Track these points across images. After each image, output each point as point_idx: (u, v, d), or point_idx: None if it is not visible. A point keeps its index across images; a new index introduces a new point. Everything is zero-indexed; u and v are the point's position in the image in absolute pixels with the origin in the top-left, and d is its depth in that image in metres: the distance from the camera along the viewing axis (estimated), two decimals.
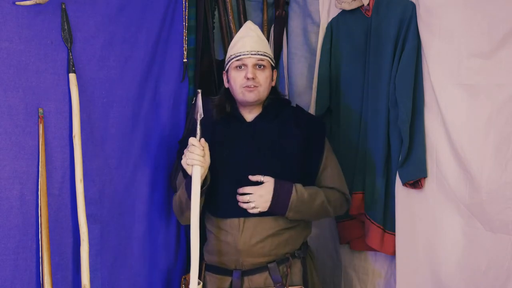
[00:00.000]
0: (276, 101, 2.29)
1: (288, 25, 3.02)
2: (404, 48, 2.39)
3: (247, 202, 2.12)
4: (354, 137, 2.62)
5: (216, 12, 2.92)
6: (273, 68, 2.27)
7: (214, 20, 2.87)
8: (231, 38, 2.92)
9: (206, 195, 2.16)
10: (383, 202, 2.50)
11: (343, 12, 2.65)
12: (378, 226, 2.50)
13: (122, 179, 2.39)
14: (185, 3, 2.61)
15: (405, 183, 2.38)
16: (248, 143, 2.21)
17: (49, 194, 2.11)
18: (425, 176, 2.33)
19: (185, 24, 2.62)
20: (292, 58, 3.02)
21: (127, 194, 2.41)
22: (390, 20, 2.44)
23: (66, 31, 2.16)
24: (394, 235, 2.47)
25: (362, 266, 2.73)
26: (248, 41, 2.21)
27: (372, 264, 2.70)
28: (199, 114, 2.09)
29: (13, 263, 2.04)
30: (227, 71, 2.26)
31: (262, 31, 3.03)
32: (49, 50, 2.13)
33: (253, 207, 2.12)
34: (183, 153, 2.15)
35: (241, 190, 2.14)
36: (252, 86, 2.16)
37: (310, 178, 2.24)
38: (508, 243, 2.06)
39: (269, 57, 2.24)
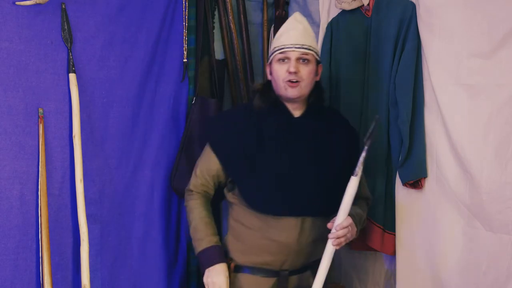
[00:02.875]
0: (320, 99, 2.22)
1: None
2: (404, 48, 2.38)
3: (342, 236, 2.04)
4: None
5: (216, 12, 2.91)
6: (318, 62, 2.20)
7: (214, 20, 2.87)
8: (231, 38, 2.93)
9: (249, 189, 2.11)
10: (383, 202, 2.50)
11: (343, 12, 2.65)
12: (378, 226, 2.50)
13: (122, 179, 2.39)
14: (185, 3, 2.61)
15: (405, 183, 2.38)
16: (300, 140, 2.15)
17: (49, 194, 2.11)
18: (425, 176, 2.32)
19: (185, 24, 2.62)
20: None
21: (127, 194, 2.41)
22: (390, 20, 2.44)
23: (66, 31, 2.16)
24: (394, 235, 2.47)
25: (362, 266, 2.73)
26: (294, 34, 2.13)
27: (372, 264, 2.70)
28: (370, 140, 1.99)
29: (13, 263, 2.05)
30: (270, 63, 2.19)
31: (262, 31, 3.03)
32: (49, 50, 2.13)
33: (348, 238, 2.06)
34: (213, 139, 2.16)
35: (338, 227, 2.01)
36: (294, 80, 2.10)
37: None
38: (508, 243, 2.05)
39: (314, 51, 2.15)
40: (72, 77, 2.17)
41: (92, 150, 2.27)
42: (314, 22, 2.90)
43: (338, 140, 2.20)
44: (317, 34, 2.84)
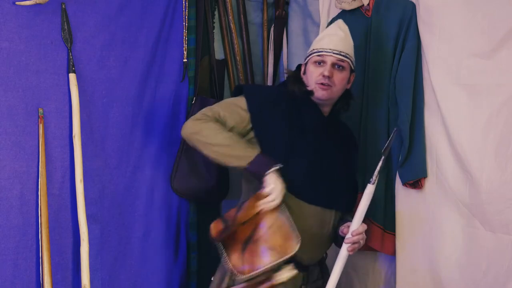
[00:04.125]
0: (346, 106, 2.27)
1: (288, 25, 3.02)
2: (404, 48, 2.38)
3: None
4: None
5: (216, 12, 2.91)
6: (352, 71, 2.23)
7: (214, 20, 2.87)
8: (231, 38, 2.93)
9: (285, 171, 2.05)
10: (383, 202, 2.50)
11: (343, 12, 2.65)
12: (378, 226, 2.50)
13: (122, 179, 2.39)
14: (185, 3, 2.61)
15: (405, 183, 2.38)
16: (330, 139, 2.21)
17: (49, 194, 2.11)
18: (425, 176, 2.32)
19: (185, 24, 2.62)
20: (292, 58, 3.02)
21: (127, 194, 2.41)
22: (390, 20, 2.44)
23: (66, 31, 2.16)
24: (394, 235, 2.47)
25: (362, 266, 2.73)
26: (334, 39, 2.18)
27: (372, 264, 2.69)
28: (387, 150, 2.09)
29: (13, 263, 2.05)
30: (306, 64, 2.22)
31: (262, 31, 3.03)
32: (49, 50, 2.13)
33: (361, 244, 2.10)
34: (253, 100, 2.12)
35: (354, 232, 2.04)
36: (326, 84, 2.13)
37: (356, 184, 2.35)
38: (508, 243, 2.05)
39: (351, 60, 2.19)
40: (72, 77, 2.17)
41: (92, 150, 2.27)
42: (314, 22, 2.90)
43: (348, 146, 2.32)
44: (317, 34, 2.84)
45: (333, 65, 2.15)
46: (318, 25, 2.83)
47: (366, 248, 2.60)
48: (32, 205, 2.08)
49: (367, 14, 2.55)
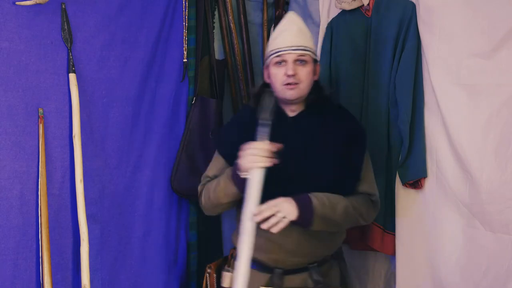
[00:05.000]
0: (319, 100, 2.18)
1: None
2: (404, 48, 2.38)
3: (272, 216, 1.99)
4: None
5: (216, 12, 2.91)
6: (315, 61, 2.16)
7: (214, 20, 2.87)
8: (231, 38, 2.93)
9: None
10: (383, 202, 2.50)
11: (343, 12, 2.65)
12: (378, 226, 2.50)
13: (122, 179, 2.39)
14: (185, 3, 2.61)
15: (405, 183, 2.38)
16: (292, 140, 2.12)
17: (49, 194, 2.11)
18: (425, 176, 2.32)
19: (185, 24, 2.62)
20: None
21: (127, 194, 2.42)
22: (390, 20, 2.44)
23: (66, 31, 2.16)
24: (394, 235, 2.47)
25: (362, 266, 2.73)
26: (289, 35, 2.10)
27: (372, 264, 2.70)
28: (270, 114, 1.99)
29: (13, 263, 2.05)
30: (267, 67, 2.15)
31: (262, 31, 3.03)
32: (49, 50, 2.13)
33: (283, 217, 1.98)
34: (221, 144, 2.09)
35: (263, 207, 1.96)
36: (293, 83, 2.07)
37: (349, 181, 2.17)
38: (508, 243, 2.05)
39: (311, 51, 2.12)
40: (72, 77, 2.17)
41: (92, 150, 2.27)
42: (314, 22, 2.90)
43: (335, 137, 2.16)
44: (317, 34, 2.84)
45: (295, 61, 2.08)
46: (318, 25, 2.83)
47: (366, 248, 2.60)
48: (32, 205, 2.09)
49: (367, 14, 2.55)
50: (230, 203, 2.13)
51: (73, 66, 2.18)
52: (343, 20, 2.66)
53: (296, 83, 2.08)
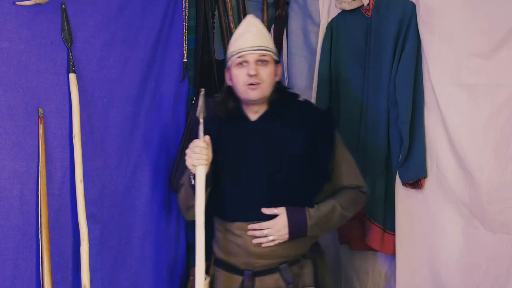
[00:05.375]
0: (282, 98, 2.21)
1: (288, 25, 3.02)
2: (404, 48, 2.38)
3: (265, 236, 2.08)
4: (354, 137, 2.61)
5: (216, 12, 2.91)
6: (276, 62, 2.20)
7: (214, 20, 2.87)
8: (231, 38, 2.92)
9: (212, 197, 2.12)
10: (383, 202, 2.50)
11: (343, 12, 2.65)
12: (378, 226, 2.50)
13: (122, 179, 2.39)
14: (185, 3, 2.61)
15: (405, 183, 2.38)
16: (254, 144, 2.15)
17: (49, 194, 2.11)
18: (425, 176, 2.33)
19: (185, 24, 2.62)
20: (292, 58, 3.02)
21: (127, 194, 2.41)
22: (390, 20, 2.44)
23: (66, 31, 2.16)
24: (394, 235, 2.47)
25: (362, 266, 2.73)
26: (249, 37, 2.14)
27: (372, 264, 2.70)
28: (202, 113, 2.05)
29: (13, 263, 2.04)
30: (229, 69, 2.19)
31: None
32: (49, 50, 2.13)
33: (273, 240, 2.08)
34: (185, 153, 2.11)
35: (256, 226, 2.09)
36: (255, 83, 2.10)
37: (321, 177, 2.16)
38: (508, 243, 2.05)
39: (272, 52, 2.16)
40: (72, 77, 2.17)
41: (92, 150, 2.27)
42: (314, 22, 2.91)
43: (297, 136, 2.16)
44: (317, 34, 2.85)
45: (256, 61, 2.12)
46: (318, 25, 2.83)
47: (366, 248, 2.61)
48: (32, 205, 2.08)
49: (367, 14, 2.55)
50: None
51: (73, 66, 2.18)
52: (343, 20, 2.67)
53: (258, 83, 2.11)
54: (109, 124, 2.33)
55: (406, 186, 2.39)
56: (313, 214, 2.10)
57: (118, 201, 2.38)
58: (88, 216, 2.18)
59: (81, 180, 2.16)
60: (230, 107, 2.21)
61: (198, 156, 2.03)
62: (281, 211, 2.09)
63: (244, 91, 2.13)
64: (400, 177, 2.40)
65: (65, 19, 2.16)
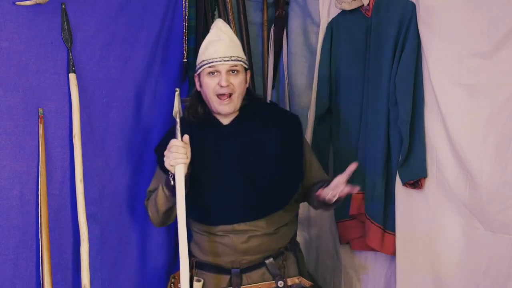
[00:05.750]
0: (251, 102, 2.25)
1: (288, 25, 3.02)
2: (404, 48, 2.38)
3: None
4: (354, 137, 2.61)
5: (216, 12, 2.91)
6: (246, 69, 2.21)
7: (214, 20, 2.87)
8: None
9: (191, 203, 2.09)
10: (383, 202, 2.50)
11: (343, 12, 2.65)
12: (378, 226, 2.50)
13: (122, 179, 2.39)
14: (185, 3, 2.61)
15: (405, 183, 2.38)
16: (229, 147, 2.17)
17: (49, 194, 2.11)
18: (425, 176, 2.32)
19: (185, 24, 2.62)
20: (292, 58, 3.02)
21: (127, 194, 2.41)
22: (390, 20, 2.44)
23: (66, 31, 2.16)
24: (394, 235, 2.47)
25: (362, 266, 2.73)
26: (221, 46, 2.14)
27: (372, 264, 2.69)
28: (178, 113, 2.06)
29: (13, 263, 2.04)
30: (198, 75, 2.19)
31: (262, 31, 3.04)
32: (49, 50, 2.13)
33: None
34: (161, 160, 2.09)
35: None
36: (226, 93, 2.11)
37: (293, 176, 2.20)
38: (508, 243, 2.05)
39: (243, 61, 2.17)
40: (72, 77, 2.17)
41: (92, 150, 2.27)
42: (314, 22, 2.90)
43: (271, 136, 2.19)
44: (317, 34, 2.85)
45: (228, 72, 2.13)
46: (318, 25, 2.83)
47: (366, 248, 2.60)
48: (32, 205, 2.08)
49: (367, 14, 2.55)
50: (172, 210, 2.15)
51: (73, 66, 2.18)
52: (343, 20, 2.67)
53: (230, 94, 2.12)
54: (109, 124, 2.33)
55: (406, 186, 2.39)
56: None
57: (118, 201, 2.38)
58: (88, 216, 2.18)
59: (81, 180, 2.16)
60: (200, 113, 2.22)
61: (175, 156, 2.02)
62: None
63: (215, 101, 2.15)
64: (400, 177, 2.40)
65: (65, 19, 2.16)
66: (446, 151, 2.24)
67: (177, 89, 2.08)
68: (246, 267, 2.16)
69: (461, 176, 2.17)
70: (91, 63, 2.26)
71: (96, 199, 2.28)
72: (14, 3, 2.02)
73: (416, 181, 2.35)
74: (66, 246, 2.19)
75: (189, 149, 2.06)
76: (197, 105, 2.22)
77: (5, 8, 2.01)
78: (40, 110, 2.11)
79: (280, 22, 2.99)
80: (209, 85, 2.14)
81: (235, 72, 2.15)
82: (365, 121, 2.55)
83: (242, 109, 2.21)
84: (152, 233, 2.51)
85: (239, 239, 2.13)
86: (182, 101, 2.17)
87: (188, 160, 2.05)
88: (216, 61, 2.13)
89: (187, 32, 2.63)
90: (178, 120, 2.06)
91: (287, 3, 3.01)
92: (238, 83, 2.15)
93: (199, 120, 2.21)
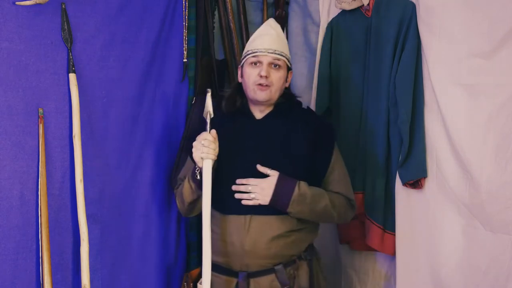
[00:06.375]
0: (287, 102, 2.27)
1: (288, 25, 3.02)
2: (404, 48, 2.38)
3: (248, 193, 2.10)
4: (354, 137, 2.61)
5: (216, 12, 2.91)
6: (289, 69, 2.25)
7: (214, 20, 2.87)
8: (231, 38, 2.93)
9: (212, 189, 2.10)
10: (383, 202, 2.50)
11: (343, 12, 2.65)
12: (378, 226, 2.50)
13: (122, 179, 2.39)
14: (185, 3, 2.61)
15: (405, 183, 2.38)
16: (256, 140, 2.19)
17: (49, 194, 2.11)
18: (425, 176, 2.32)
19: (185, 24, 2.62)
20: (292, 58, 3.00)
21: (127, 194, 2.41)
22: (390, 20, 2.44)
23: (66, 31, 2.16)
24: (394, 235, 2.47)
25: (362, 266, 2.73)
26: (267, 39, 2.19)
27: (372, 264, 2.70)
28: (209, 113, 2.07)
29: (13, 263, 2.04)
30: (242, 66, 2.24)
31: None
32: (49, 50, 2.13)
33: (253, 198, 2.09)
34: (189, 149, 2.11)
35: (244, 181, 2.12)
36: (264, 84, 2.14)
37: (316, 180, 2.21)
38: (508, 243, 2.05)
39: (286, 58, 2.21)
40: (72, 77, 2.17)
41: (92, 150, 2.27)
42: (314, 22, 2.91)
43: (300, 138, 2.21)
44: (317, 34, 2.85)
45: (270, 64, 2.16)
46: (318, 25, 2.84)
47: (366, 248, 2.61)
48: (32, 205, 2.08)
49: (367, 14, 2.55)
50: (196, 202, 2.18)
51: (73, 66, 2.18)
52: (343, 20, 2.67)
53: (267, 85, 2.15)
54: (109, 124, 2.33)
55: (406, 186, 2.39)
56: (302, 188, 2.12)
57: (118, 201, 2.38)
58: (88, 216, 2.18)
59: (81, 180, 2.16)
60: (237, 104, 2.24)
61: (207, 150, 2.04)
62: (274, 173, 2.12)
63: (252, 90, 2.17)
64: (400, 177, 2.40)
65: (65, 19, 2.16)
66: (446, 151, 2.24)
67: (209, 90, 2.10)
68: (255, 271, 2.13)
69: (461, 176, 2.17)
70: (91, 63, 2.26)
71: (96, 199, 2.28)
72: (14, 3, 2.02)
73: (416, 181, 2.35)
74: (66, 246, 2.19)
75: (217, 144, 2.08)
76: (235, 96, 2.25)
77: (5, 8, 2.01)
78: (40, 110, 2.11)
79: (280, 22, 2.98)
80: (250, 75, 2.17)
81: (277, 66, 2.18)
82: (365, 121, 2.55)
83: (276, 106, 2.24)
84: (152, 233, 2.51)
85: (249, 239, 2.10)
86: (220, 93, 2.21)
87: (216, 155, 2.07)
88: (260, 51, 2.17)
89: (187, 32, 2.63)
90: (208, 121, 2.08)
91: (287, 3, 3.01)
92: (278, 78, 2.18)
93: (233, 111, 2.24)
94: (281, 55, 2.19)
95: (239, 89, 2.27)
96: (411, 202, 2.39)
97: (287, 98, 2.28)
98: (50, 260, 2.08)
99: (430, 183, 2.32)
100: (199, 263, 2.68)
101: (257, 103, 2.20)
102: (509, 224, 2.05)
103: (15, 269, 2.05)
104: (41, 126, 2.10)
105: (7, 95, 2.02)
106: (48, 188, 2.10)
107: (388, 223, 2.50)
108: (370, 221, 2.53)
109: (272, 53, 2.17)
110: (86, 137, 2.23)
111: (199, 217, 2.67)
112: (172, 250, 2.61)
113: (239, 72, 2.27)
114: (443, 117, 2.23)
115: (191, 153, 2.12)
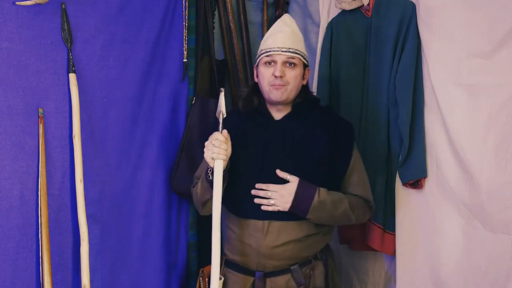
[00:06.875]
0: (306, 101, 2.21)
1: None
2: (404, 48, 2.38)
3: (268, 198, 2.07)
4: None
5: (216, 12, 2.91)
6: (305, 66, 2.18)
7: (214, 20, 2.87)
8: (231, 38, 2.92)
9: (228, 192, 2.09)
10: (383, 202, 2.50)
11: (343, 12, 2.65)
12: (378, 226, 2.50)
13: (122, 179, 2.39)
14: (185, 3, 2.61)
15: (405, 183, 2.38)
16: (275, 142, 2.14)
17: (49, 194, 2.11)
18: (425, 176, 2.32)
19: (185, 24, 2.62)
20: None
21: (127, 194, 2.42)
22: (390, 20, 2.44)
23: (66, 31, 2.16)
24: (394, 235, 2.47)
25: (362, 266, 2.73)
26: (280, 37, 2.12)
27: (372, 264, 2.70)
28: (222, 113, 2.03)
29: (13, 263, 2.05)
30: (257, 66, 2.19)
31: (262, 31, 3.03)
32: (49, 50, 2.13)
33: (273, 205, 2.06)
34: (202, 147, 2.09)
35: (263, 186, 2.08)
36: (279, 84, 2.09)
37: (335, 181, 2.18)
38: (508, 243, 2.05)
39: (301, 55, 2.14)
40: (72, 77, 2.17)
41: (92, 150, 2.27)
42: (314, 22, 2.91)
43: (319, 139, 2.17)
44: (317, 34, 2.85)
45: (284, 63, 2.10)
46: (318, 25, 2.83)
47: (366, 248, 2.60)
48: (32, 205, 2.08)
49: (367, 14, 2.55)
50: (210, 202, 2.12)
51: (73, 66, 2.18)
52: (343, 20, 2.67)
53: (282, 85, 2.10)
54: (109, 124, 2.33)
55: (406, 186, 2.39)
56: (322, 195, 2.08)
57: (118, 201, 2.38)
58: (88, 216, 2.18)
59: (81, 180, 2.16)
60: (254, 104, 2.20)
61: (218, 150, 2.01)
62: (294, 179, 2.08)
63: (268, 90, 2.13)
64: (400, 177, 2.40)
65: (65, 19, 2.16)
66: (446, 151, 2.24)
67: (222, 89, 2.06)
68: (271, 271, 2.12)
69: (461, 176, 2.17)
70: (91, 63, 2.26)
71: (96, 199, 2.28)
72: (14, 3, 2.02)
73: (416, 181, 2.35)
74: (66, 246, 2.19)
75: (229, 145, 2.05)
76: (252, 96, 2.21)
77: (5, 8, 2.01)
78: (40, 110, 2.11)
79: None
80: (265, 75, 2.12)
81: (292, 64, 2.12)
82: (365, 121, 2.55)
83: (295, 106, 2.19)
84: (152, 233, 2.51)
85: (266, 242, 2.09)
86: (237, 93, 2.15)
87: (228, 156, 2.04)
88: (273, 51, 2.11)
89: (187, 32, 2.63)
90: (220, 120, 2.04)
91: (287, 3, 3.01)
92: (293, 76, 2.12)
93: (251, 111, 2.20)
94: (296, 53, 2.12)
95: (256, 89, 2.21)
96: (411, 202, 2.39)
97: (305, 96, 2.21)
98: (50, 260, 2.08)
99: (430, 183, 2.32)
100: (199, 263, 2.69)
101: (274, 103, 2.15)
102: (509, 224, 2.05)
103: (15, 269, 2.05)
104: (41, 126, 2.10)
105: (7, 95, 2.03)
106: (48, 188, 2.11)
107: (388, 223, 2.49)
108: (370, 221, 2.53)
109: (286, 51, 2.10)
110: (86, 137, 2.24)
111: (199, 217, 2.68)
112: (172, 250, 2.61)
113: (254, 72, 2.22)
114: (443, 117, 2.23)
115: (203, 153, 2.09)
